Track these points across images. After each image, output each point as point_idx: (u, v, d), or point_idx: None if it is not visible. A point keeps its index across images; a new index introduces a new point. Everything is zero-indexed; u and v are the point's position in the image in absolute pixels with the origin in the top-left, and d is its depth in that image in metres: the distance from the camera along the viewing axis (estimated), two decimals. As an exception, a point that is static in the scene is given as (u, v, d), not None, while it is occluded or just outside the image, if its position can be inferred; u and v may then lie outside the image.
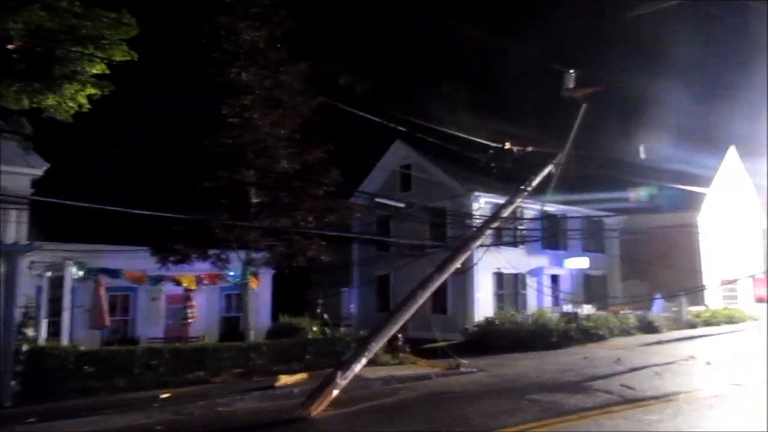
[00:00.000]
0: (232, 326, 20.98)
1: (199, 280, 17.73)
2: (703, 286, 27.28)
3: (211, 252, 16.17)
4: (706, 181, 29.37)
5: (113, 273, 16.71)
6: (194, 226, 15.10)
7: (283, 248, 16.29)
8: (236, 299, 20.79)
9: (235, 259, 16.62)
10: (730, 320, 27.94)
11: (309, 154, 16.54)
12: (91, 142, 14.32)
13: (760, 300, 35.10)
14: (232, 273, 17.39)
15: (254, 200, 16.02)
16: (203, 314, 19.92)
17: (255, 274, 17.31)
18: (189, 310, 17.38)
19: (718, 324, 26.83)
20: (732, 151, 33.86)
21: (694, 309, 27.07)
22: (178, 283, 17.57)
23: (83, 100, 11.03)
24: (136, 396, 11.36)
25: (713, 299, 29.76)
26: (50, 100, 10.77)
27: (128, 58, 11.06)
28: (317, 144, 16.64)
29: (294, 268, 17.35)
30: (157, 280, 17.42)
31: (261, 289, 19.71)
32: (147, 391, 11.90)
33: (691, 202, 28.71)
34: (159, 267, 16.09)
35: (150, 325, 19.77)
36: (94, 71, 10.88)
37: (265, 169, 15.86)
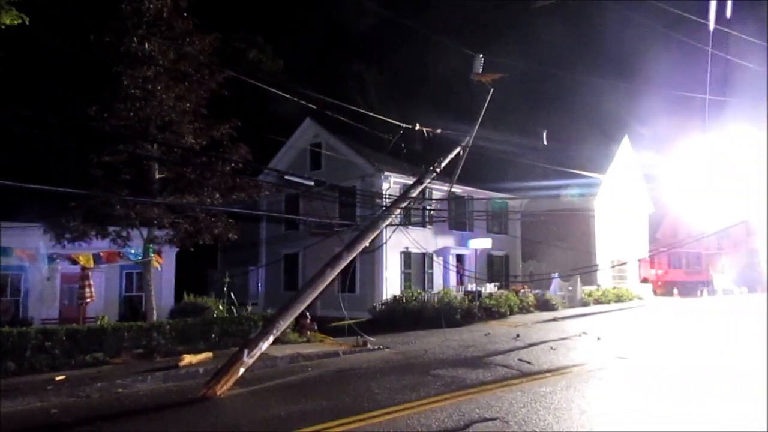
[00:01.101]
0: (133, 306, 20.29)
1: (97, 259, 16.88)
2: (596, 266, 28.96)
3: (111, 229, 15.47)
4: (602, 168, 31.09)
5: (3, 251, 15.66)
6: (92, 203, 14.38)
7: (188, 226, 15.84)
8: (138, 278, 20.07)
9: (137, 236, 15.99)
10: (619, 299, 29.98)
11: (216, 130, 16.08)
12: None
13: (645, 280, 37.83)
14: (133, 251, 16.72)
15: (157, 176, 15.43)
16: (102, 294, 19.12)
17: (158, 252, 16.72)
18: (86, 290, 16.54)
19: (608, 302, 28.73)
20: (626, 141, 35.95)
21: (587, 288, 28.79)
22: (74, 261, 16.67)
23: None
24: (29, 380, 10.75)
25: (604, 279, 31.76)
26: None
27: (18, 22, 10.25)
28: (225, 120, 16.20)
29: (199, 247, 16.92)
30: (52, 258, 16.47)
31: (164, 267, 19.09)
32: (40, 374, 11.29)
33: (588, 187, 30.29)
34: (53, 245, 15.22)
35: (43, 306, 18.78)
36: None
37: (169, 144, 15.28)
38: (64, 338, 12.43)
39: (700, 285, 39.50)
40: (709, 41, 13.81)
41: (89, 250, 16.55)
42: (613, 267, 31.58)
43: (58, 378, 10.82)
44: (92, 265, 16.88)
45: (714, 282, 39.96)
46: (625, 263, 32.12)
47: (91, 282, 16.89)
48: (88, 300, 16.65)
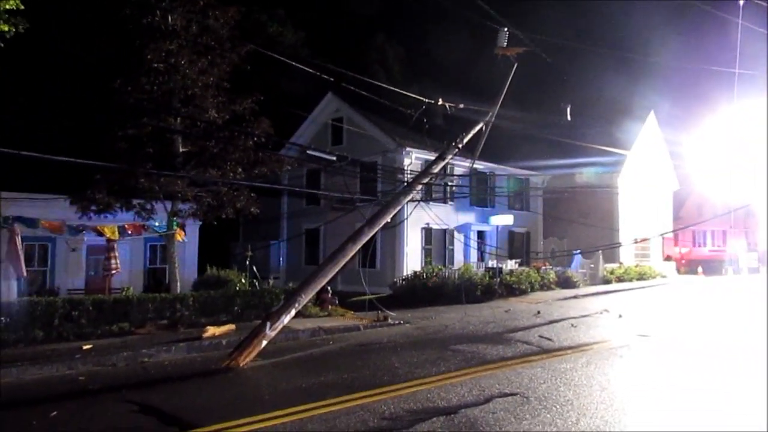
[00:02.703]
0: (157, 278, 20.61)
1: (122, 231, 17.13)
2: (619, 243, 28.71)
3: (135, 202, 15.65)
4: (626, 145, 30.62)
5: (30, 222, 15.91)
6: (117, 175, 14.54)
7: (211, 199, 15.95)
8: (161, 251, 20.34)
9: (161, 209, 16.16)
10: (641, 277, 29.74)
11: (238, 104, 16.09)
12: (6, 84, 13.40)
13: (668, 258, 37.43)
14: (157, 224, 16.92)
15: (181, 149, 15.53)
16: (127, 265, 19.41)
17: (181, 226, 16.91)
18: (112, 261, 16.84)
19: (630, 280, 28.53)
20: (651, 117, 35.31)
21: (609, 266, 28.59)
22: (99, 233, 16.93)
23: (-5, 37, 10.26)
24: (56, 347, 11.02)
25: (627, 257, 31.48)
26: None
27: (14, 31, 10.31)
28: (247, 94, 16.20)
29: (222, 220, 17.06)
30: (78, 230, 16.73)
31: (187, 240, 19.34)
32: (68, 342, 11.57)
33: (612, 164, 29.90)
34: (79, 216, 15.45)
35: (70, 277, 19.16)
36: (7, 6, 10.10)
37: (192, 117, 15.34)
38: (90, 308, 12.67)
39: (725, 263, 38.98)
40: (739, 14, 13.46)
41: (114, 222, 16.81)
42: (635, 244, 31.28)
43: (85, 347, 11.07)
44: (117, 237, 17.14)
45: (739, 260, 39.40)
46: (647, 240, 31.80)
47: (116, 254, 17.17)
48: (113, 271, 16.95)
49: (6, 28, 10.23)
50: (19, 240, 15.21)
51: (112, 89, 14.16)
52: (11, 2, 10.11)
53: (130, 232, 17.30)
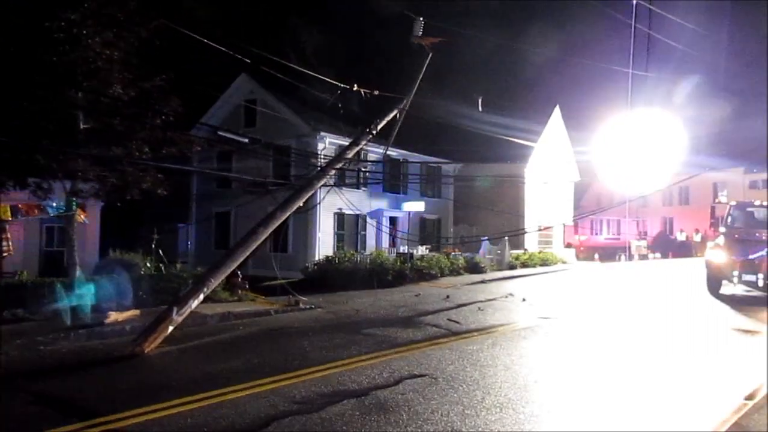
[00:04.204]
0: (55, 261, 19.52)
1: (15, 211, 16.06)
2: (524, 230, 29.88)
3: (31, 180, 14.71)
4: (533, 137, 31.82)
5: None
6: (10, 151, 13.60)
7: (115, 179, 15.24)
8: (60, 232, 19.27)
9: (59, 189, 15.29)
10: (544, 263, 31.17)
11: (147, 81, 15.42)
12: None
13: (568, 246, 39.43)
14: (54, 204, 15.99)
15: (83, 126, 14.72)
16: (21, 248, 18.27)
17: (82, 206, 16.06)
18: (3, 243, 15.76)
19: (534, 266, 29.84)
20: (557, 111, 36.90)
21: (515, 252, 29.76)
22: (-11, 213, 15.82)
23: None
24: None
25: (531, 244, 32.90)
26: None
27: None
28: (157, 71, 15.54)
29: (127, 202, 16.34)
30: (-37, 209, 15.55)
31: (89, 222, 18.40)
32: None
33: (519, 154, 31.00)
34: (-33, 195, 14.38)
35: (-45, 259, 17.79)
36: None
37: (96, 92, 14.54)
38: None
39: (618, 250, 41.48)
40: (632, 15, 14.29)
41: (7, 201, 15.73)
42: (539, 231, 32.68)
43: (-26, 334, 10.38)
44: (10, 218, 16.06)
45: (631, 248, 42.03)
46: (551, 228, 33.32)
47: (9, 235, 16.08)
48: (5, 254, 15.87)
49: None
50: None
51: (6, 60, 13.20)
52: None
53: (24, 212, 16.25)
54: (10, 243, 15.95)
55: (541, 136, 34.03)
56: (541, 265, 30.45)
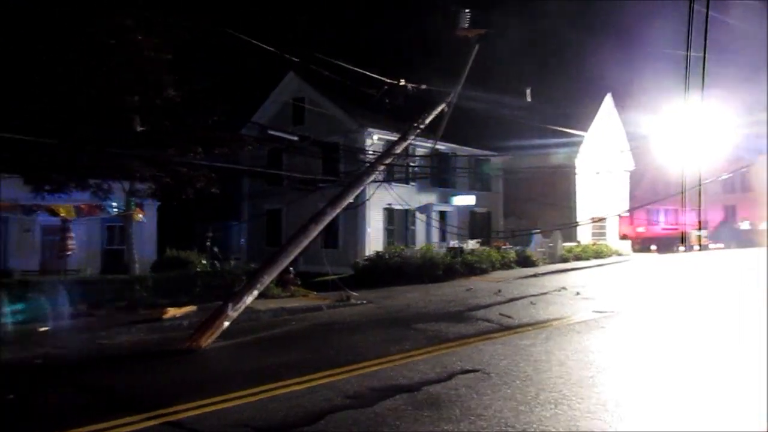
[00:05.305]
0: (115, 259, 20.21)
1: (78, 211, 16.72)
2: (576, 223, 29.30)
3: (92, 181, 15.27)
4: (584, 126, 31.18)
5: (-21, 202, 15.42)
6: (73, 154, 14.13)
7: (170, 179, 15.67)
8: (119, 231, 19.94)
9: (118, 189, 15.82)
10: (598, 255, 30.50)
11: (198, 82, 15.76)
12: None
13: (624, 237, 38.42)
14: (114, 204, 16.56)
15: (139, 128, 15.15)
16: (83, 246, 18.99)
17: (139, 206, 16.59)
18: (68, 242, 16.44)
19: (587, 258, 29.24)
20: (608, 99, 35.99)
21: (567, 245, 29.21)
22: (54, 213, 16.49)
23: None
24: (10, 330, 10.76)
25: (584, 236, 32.21)
26: None
27: None
28: (208, 72, 15.89)
29: (181, 201, 16.79)
30: (31, 209, 16.26)
31: (146, 221, 18.99)
32: (22, 325, 11.30)
33: (570, 145, 30.43)
34: (33, 196, 15.01)
35: (23, 258, 18.63)
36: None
37: (149, 95, 14.96)
38: (45, 290, 12.40)
39: (677, 241, 40.18)
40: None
41: (70, 202, 16.38)
42: (593, 223, 31.99)
43: (41, 329, 10.84)
44: (73, 217, 16.74)
45: (691, 238, 40.65)
46: (604, 219, 32.56)
47: (72, 234, 16.77)
48: (69, 252, 16.55)
49: None
50: (-32, 221, 14.76)
51: (67, 67, 13.69)
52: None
53: (86, 212, 16.89)
54: (74, 242, 16.61)
55: (592, 125, 33.27)
56: (594, 258, 29.82)
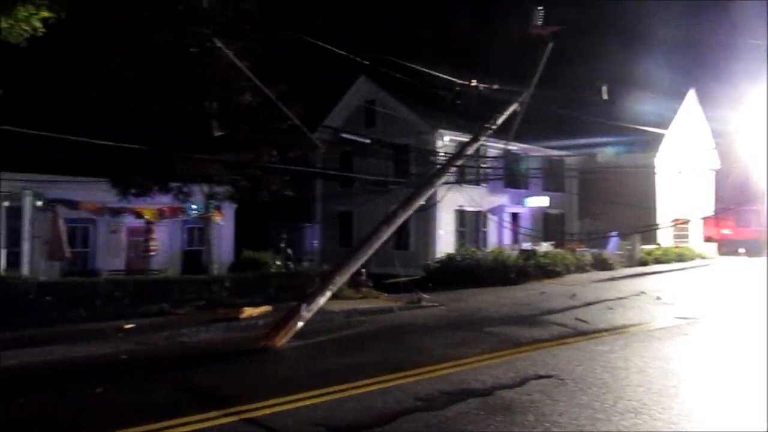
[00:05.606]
0: (194, 260, 20.95)
1: (160, 213, 17.49)
2: (656, 225, 28.17)
3: (173, 185, 15.91)
4: (664, 123, 29.90)
5: (71, 204, 16.34)
6: (156, 159, 14.78)
7: (246, 182, 16.12)
8: (199, 233, 20.66)
9: (198, 192, 16.42)
10: (681, 258, 29.18)
11: (272, 88, 16.15)
12: (47, 69, 13.69)
13: (708, 239, 36.59)
14: (194, 207, 17.21)
15: (217, 133, 15.70)
16: (165, 247, 19.80)
17: (218, 208, 17.17)
18: (151, 243, 17.24)
19: (668, 262, 28.01)
20: (691, 95, 34.40)
21: (647, 247, 28.10)
22: (139, 215, 17.31)
23: (37, 24, 10.43)
24: (98, 326, 11.34)
25: (665, 238, 30.88)
26: (2, 23, 10.18)
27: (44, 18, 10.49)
28: (281, 77, 16.25)
29: (257, 203, 17.25)
30: (117, 212, 17.12)
31: (224, 223, 19.61)
32: (109, 321, 11.86)
33: (649, 144, 29.27)
34: (119, 199, 15.80)
35: (110, 257, 19.59)
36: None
37: (227, 101, 15.47)
38: (130, 288, 13.02)
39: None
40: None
41: (153, 204, 17.14)
42: (674, 226, 30.66)
43: (126, 326, 11.38)
44: (156, 219, 17.51)
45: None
46: (687, 221, 31.14)
47: (155, 235, 17.55)
48: (152, 252, 17.34)
49: (47, 15, 10.42)
50: (61, 222, 15.68)
51: (155, 74, 14.35)
52: (52, -10, 10.30)
53: (168, 214, 17.64)
54: (156, 243, 17.39)
55: (674, 122, 31.87)
56: (677, 261, 28.54)
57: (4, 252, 14.41)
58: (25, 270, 14.30)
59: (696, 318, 12.76)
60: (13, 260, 14.75)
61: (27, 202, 14.48)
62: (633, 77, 33.17)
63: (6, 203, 14.90)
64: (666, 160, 31.19)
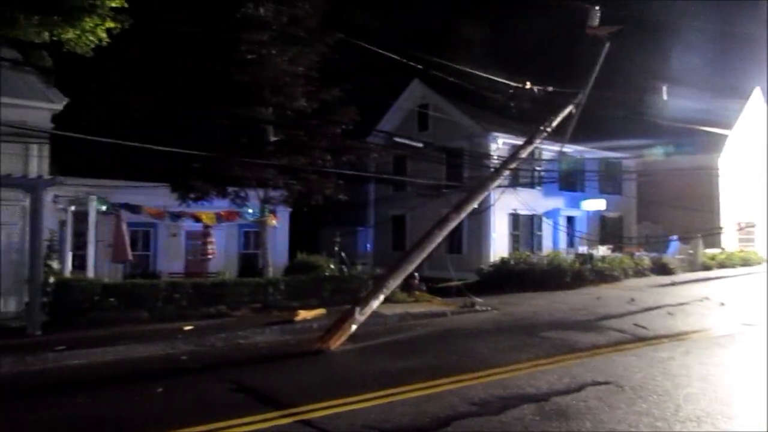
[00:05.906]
0: (250, 263, 21.39)
1: (218, 217, 17.97)
2: (720, 228, 27.16)
3: (230, 190, 16.31)
4: (728, 124, 28.81)
5: (134, 208, 16.95)
6: (213, 164, 15.18)
7: (301, 187, 16.38)
8: (254, 236, 21.10)
9: (254, 197, 16.77)
10: (746, 263, 28.00)
11: (326, 93, 16.39)
12: (111, 78, 14.26)
13: (776, 243, 34.96)
14: (250, 211, 17.58)
15: (272, 138, 16.01)
16: (222, 251, 20.30)
17: (273, 212, 17.50)
18: (208, 246, 17.71)
19: (733, 266, 26.93)
20: (756, 93, 33.05)
21: (710, 251, 27.10)
22: (197, 219, 17.81)
23: (102, 34, 10.89)
24: (159, 327, 11.71)
25: (729, 242, 29.71)
26: (70, 34, 10.67)
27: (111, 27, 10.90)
28: (335, 82, 16.47)
29: (311, 207, 17.49)
30: (177, 216, 17.65)
31: (279, 226, 19.97)
32: (169, 323, 12.23)
33: (712, 144, 28.26)
34: (179, 204, 16.29)
35: (170, 260, 20.22)
36: (113, 4, 10.73)
37: (282, 106, 15.77)
38: (190, 291, 13.40)
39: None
40: None
41: (211, 209, 17.60)
42: (740, 230, 29.48)
43: (186, 327, 11.70)
44: (214, 223, 17.97)
45: None
46: (753, 225, 29.89)
47: (213, 239, 18.02)
48: (210, 256, 17.81)
49: (112, 25, 10.87)
50: (124, 226, 16.28)
51: (212, 81, 14.76)
52: (117, 0, 10.73)
53: (225, 218, 18.09)
54: (214, 246, 17.87)
55: (738, 122, 30.67)
56: (741, 266, 27.41)
57: (70, 255, 15.05)
58: (90, 272, 14.88)
59: (762, 325, 12.23)
60: (79, 263, 15.38)
61: (92, 206, 15.07)
62: (694, 77, 32.09)
63: (72, 208, 15.56)
64: (730, 161, 30.05)
